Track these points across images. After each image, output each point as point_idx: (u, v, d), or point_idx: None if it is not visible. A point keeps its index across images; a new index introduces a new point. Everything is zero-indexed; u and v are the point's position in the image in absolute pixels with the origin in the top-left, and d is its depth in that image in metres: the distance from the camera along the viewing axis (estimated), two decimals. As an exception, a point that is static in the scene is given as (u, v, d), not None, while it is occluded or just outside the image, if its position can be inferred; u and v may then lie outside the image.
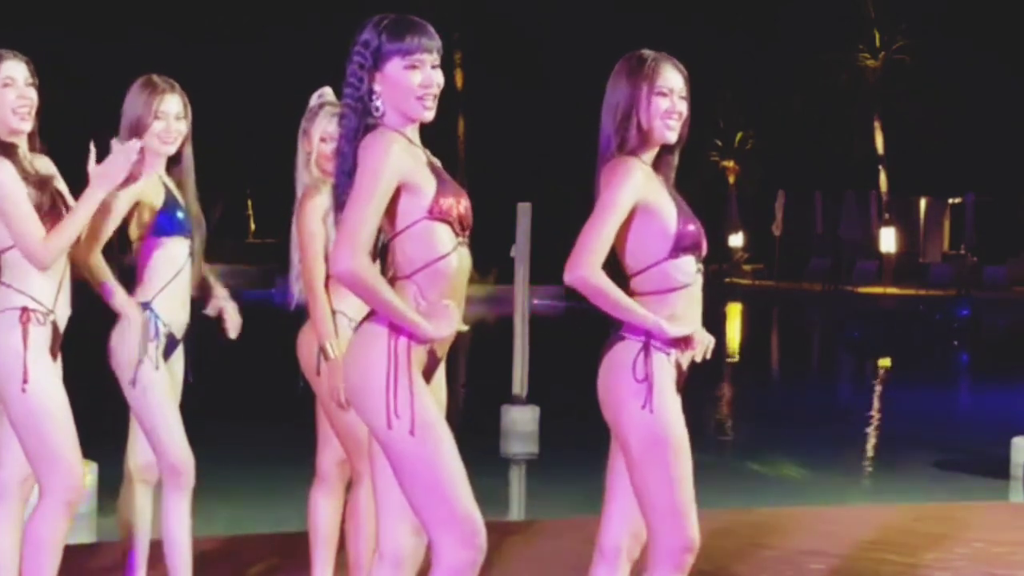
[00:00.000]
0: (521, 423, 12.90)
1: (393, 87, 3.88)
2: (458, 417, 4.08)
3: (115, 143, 5.00)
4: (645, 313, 4.15)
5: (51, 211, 4.82)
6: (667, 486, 4.17)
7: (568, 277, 4.12)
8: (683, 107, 4.29)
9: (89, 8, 41.03)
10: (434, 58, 3.90)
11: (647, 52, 4.33)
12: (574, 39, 41.65)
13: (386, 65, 3.87)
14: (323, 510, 5.53)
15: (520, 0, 42.44)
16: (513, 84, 42.28)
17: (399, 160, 3.82)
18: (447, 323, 3.86)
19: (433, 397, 3.94)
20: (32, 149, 4.96)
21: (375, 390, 3.80)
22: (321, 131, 5.36)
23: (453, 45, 40.12)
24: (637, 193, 4.18)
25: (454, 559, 3.77)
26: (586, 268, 4.09)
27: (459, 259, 3.94)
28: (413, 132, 3.95)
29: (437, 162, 4.07)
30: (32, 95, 4.87)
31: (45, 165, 4.99)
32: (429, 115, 3.91)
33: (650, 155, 4.31)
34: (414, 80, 3.87)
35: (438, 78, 3.91)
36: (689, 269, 4.25)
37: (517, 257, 13.09)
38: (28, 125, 4.88)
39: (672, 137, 4.29)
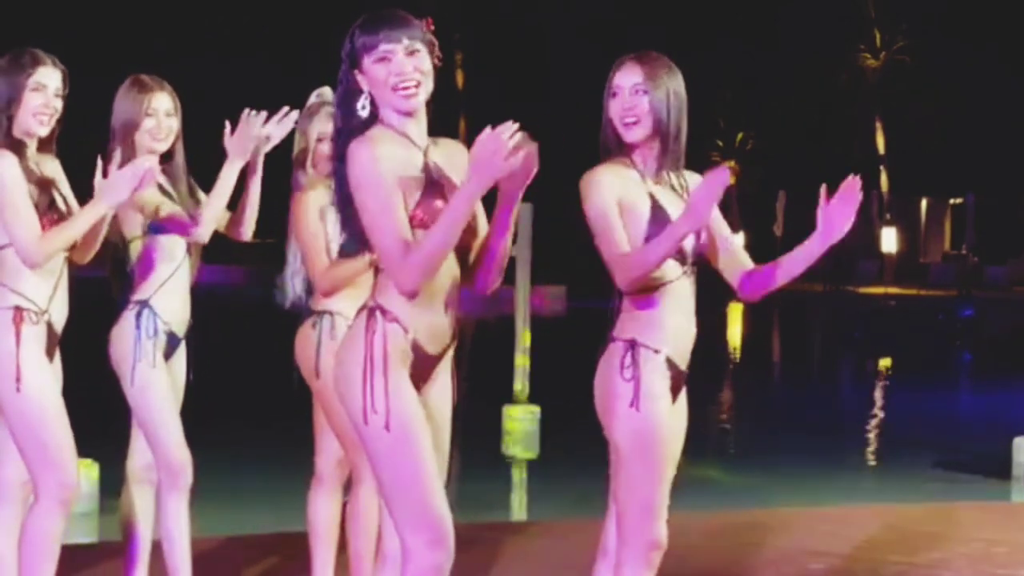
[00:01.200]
0: (521, 423, 12.90)
1: (373, 84, 3.84)
2: (458, 417, 4.06)
3: (116, 154, 5.00)
4: (673, 230, 4.10)
5: (47, 212, 4.82)
6: (646, 484, 4.20)
7: (626, 287, 4.15)
8: (637, 101, 4.23)
9: (88, 10, 41.09)
10: (406, 46, 3.81)
11: None
12: (575, 39, 41.66)
13: (362, 63, 3.83)
14: (322, 510, 5.51)
15: (520, 1, 42.45)
16: (513, 84, 42.27)
17: (386, 164, 3.77)
18: None
19: (438, 399, 3.91)
20: (46, 151, 4.96)
21: (354, 385, 3.79)
22: (319, 131, 5.35)
23: (453, 45, 40.17)
24: (610, 193, 4.19)
25: (423, 560, 3.76)
26: (630, 270, 4.11)
27: (446, 261, 3.86)
28: (416, 126, 3.88)
29: (452, 146, 3.98)
30: (57, 105, 4.88)
31: (52, 168, 4.99)
32: (411, 104, 3.82)
33: (641, 154, 4.28)
34: (384, 73, 3.81)
35: (412, 64, 3.81)
36: (671, 268, 4.24)
37: (517, 257, 13.09)
38: (45, 130, 4.89)
39: (628, 135, 4.26)
